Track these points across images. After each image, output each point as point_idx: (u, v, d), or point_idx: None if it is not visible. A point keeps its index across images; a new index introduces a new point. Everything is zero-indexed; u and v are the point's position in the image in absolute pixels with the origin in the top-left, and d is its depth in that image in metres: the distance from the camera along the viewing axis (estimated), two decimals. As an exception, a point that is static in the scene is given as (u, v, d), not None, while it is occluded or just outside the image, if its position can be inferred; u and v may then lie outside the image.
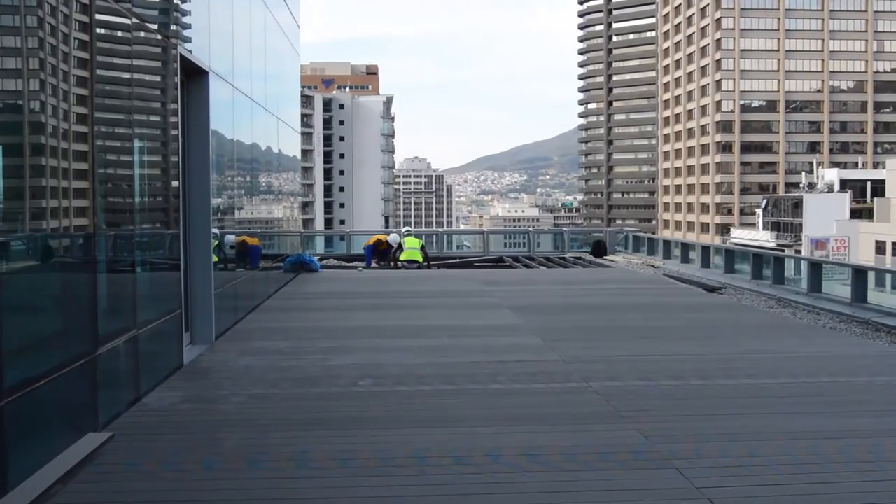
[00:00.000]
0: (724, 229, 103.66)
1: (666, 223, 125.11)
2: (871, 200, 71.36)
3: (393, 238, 20.55)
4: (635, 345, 8.63)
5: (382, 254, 20.62)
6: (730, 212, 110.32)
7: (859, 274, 12.51)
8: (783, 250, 55.06)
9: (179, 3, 7.85)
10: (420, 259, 19.40)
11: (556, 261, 21.93)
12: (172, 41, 7.42)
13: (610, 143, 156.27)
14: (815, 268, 13.75)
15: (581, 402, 6.24)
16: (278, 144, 14.08)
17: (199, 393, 6.64)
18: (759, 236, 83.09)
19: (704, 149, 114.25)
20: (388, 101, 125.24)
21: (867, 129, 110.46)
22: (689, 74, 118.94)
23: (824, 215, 71.69)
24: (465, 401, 6.30)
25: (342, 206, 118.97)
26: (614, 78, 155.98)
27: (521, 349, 8.41)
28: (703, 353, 8.16)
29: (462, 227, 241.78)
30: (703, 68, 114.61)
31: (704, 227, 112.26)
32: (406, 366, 7.57)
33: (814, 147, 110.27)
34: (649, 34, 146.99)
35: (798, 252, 66.00)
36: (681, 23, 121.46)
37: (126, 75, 6.22)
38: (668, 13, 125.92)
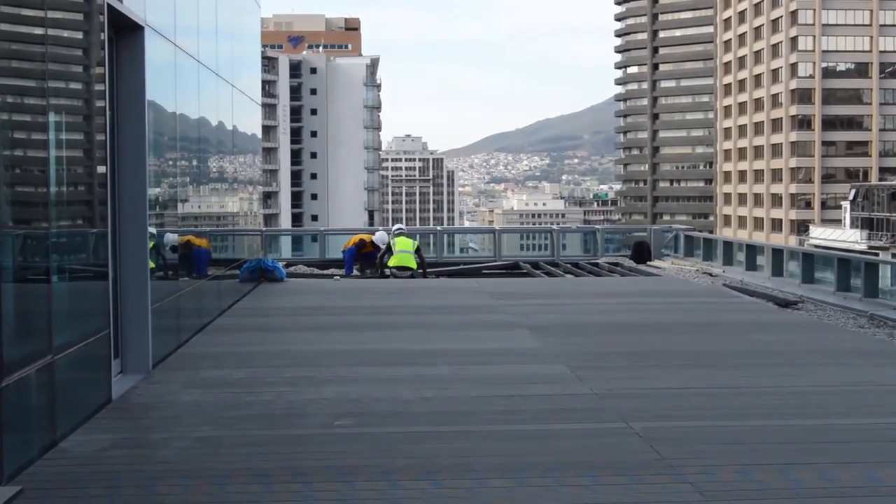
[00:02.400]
0: (802, 227, 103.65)
1: (727, 219, 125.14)
2: None
3: (380, 237, 20.54)
4: (687, 374, 8.63)
5: (367, 258, 20.62)
6: (808, 205, 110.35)
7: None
8: (877, 254, 55.05)
9: (107, -61, 7.87)
10: (414, 265, 19.40)
11: (586, 268, 21.94)
12: (98, -12, 7.43)
13: (655, 117, 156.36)
14: (918, 276, 13.73)
15: (618, 446, 6.24)
16: (233, 119, 14.10)
17: (133, 435, 6.64)
18: (846, 236, 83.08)
19: (776, 125, 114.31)
20: (373, 65, 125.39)
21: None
22: (757, 30, 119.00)
23: (929, 209, 71.52)
24: (471, 446, 6.30)
25: (314, 197, 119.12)
26: (661, 34, 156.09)
27: (542, 380, 8.41)
28: (773, 386, 8.16)
29: (467, 224, 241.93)
30: (775, 22, 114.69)
31: (776, 225, 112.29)
32: (396, 401, 7.57)
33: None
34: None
35: None
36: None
37: (38, 31, 6.23)
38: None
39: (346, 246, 21.02)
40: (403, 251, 19.42)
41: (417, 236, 22.29)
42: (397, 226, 21.25)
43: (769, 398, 7.66)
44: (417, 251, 19.73)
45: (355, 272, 20.63)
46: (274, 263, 17.51)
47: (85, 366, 7.00)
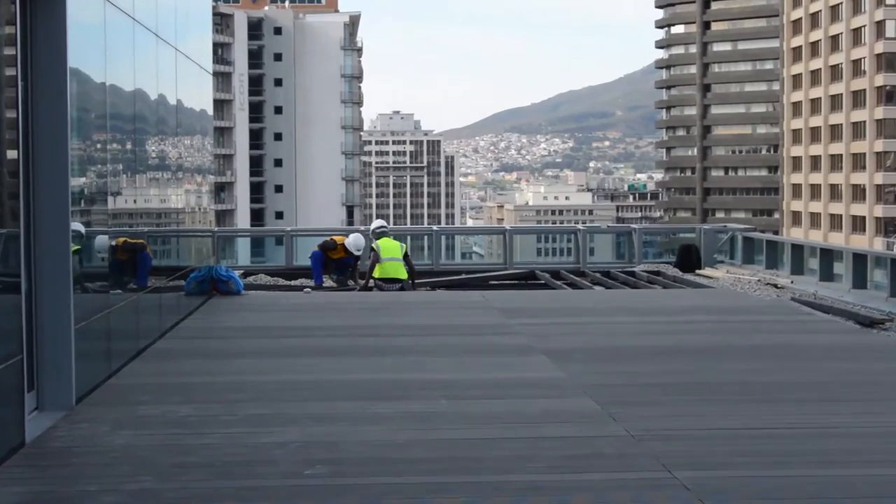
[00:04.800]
0: (890, 227, 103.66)
1: (795, 217, 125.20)
2: None
3: (354, 242, 20.40)
4: (744, 411, 8.63)
5: (339, 265, 20.57)
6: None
7: None
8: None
9: None
10: (405, 275, 19.32)
11: (619, 278, 21.93)
12: (9, -72, 7.43)
13: (706, 89, 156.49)
14: None
15: (659, 501, 6.25)
16: (177, 92, 14.11)
17: (51, 488, 6.62)
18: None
19: (857, 98, 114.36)
20: (353, 23, 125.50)
21: None
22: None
23: None
24: (475, 501, 6.29)
25: (279, 189, 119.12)
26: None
27: (565, 418, 8.42)
28: (853, 426, 8.16)
29: (470, 223, 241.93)
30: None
31: (857, 224, 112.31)
32: (381, 444, 7.56)
33: None
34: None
35: None
36: None
37: (-65, -18, 6.23)
38: None
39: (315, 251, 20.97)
40: (392, 258, 19.29)
41: (407, 238, 22.29)
42: (378, 222, 21.09)
43: (849, 441, 7.65)
44: (406, 256, 19.66)
45: (329, 282, 20.61)
46: (228, 272, 17.51)
47: (-9, 401, 6.99)
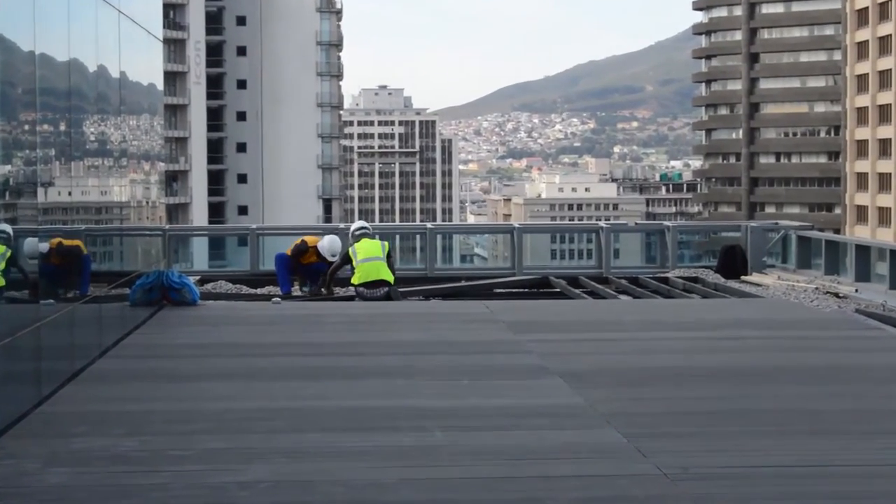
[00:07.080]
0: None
1: (860, 213, 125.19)
2: None
3: (329, 245, 20.37)
4: (798, 445, 8.65)
5: (310, 272, 20.54)
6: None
7: None
8: None
9: None
10: (391, 277, 19.35)
11: (649, 285, 21.93)
12: None
13: (753, 59, 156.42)
14: None
15: (698, 553, 6.25)
16: (121, 63, 14.10)
17: (-31, 537, 6.64)
18: None
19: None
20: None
21: None
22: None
23: None
24: (476, 552, 6.31)
25: (243, 180, 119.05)
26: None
27: (584, 453, 8.42)
28: (930, 462, 8.17)
29: (472, 219, 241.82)
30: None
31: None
32: (364, 485, 7.57)
33: None
34: None
35: None
36: None
37: None
38: None
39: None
40: (371, 258, 19.31)
41: (397, 238, 22.28)
42: (358, 223, 21.09)
43: (924, 480, 7.67)
44: (389, 257, 19.67)
45: (300, 290, 20.59)
46: (182, 279, 17.50)
47: None
